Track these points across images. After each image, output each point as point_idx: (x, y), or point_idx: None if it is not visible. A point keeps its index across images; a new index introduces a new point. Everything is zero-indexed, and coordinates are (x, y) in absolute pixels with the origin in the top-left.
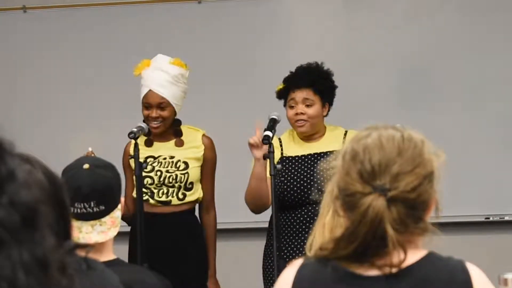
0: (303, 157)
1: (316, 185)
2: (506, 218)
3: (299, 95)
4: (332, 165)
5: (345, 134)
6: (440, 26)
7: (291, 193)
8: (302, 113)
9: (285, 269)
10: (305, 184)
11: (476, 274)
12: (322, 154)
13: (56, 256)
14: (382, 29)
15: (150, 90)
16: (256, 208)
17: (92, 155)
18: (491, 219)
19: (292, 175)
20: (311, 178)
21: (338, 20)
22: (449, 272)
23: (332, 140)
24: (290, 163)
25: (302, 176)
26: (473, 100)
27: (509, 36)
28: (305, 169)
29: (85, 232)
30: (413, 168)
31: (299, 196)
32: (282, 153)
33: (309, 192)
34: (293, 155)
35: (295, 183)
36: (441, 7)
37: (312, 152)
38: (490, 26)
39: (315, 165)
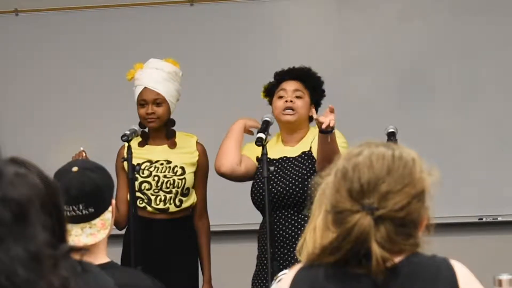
0: (273, 161)
1: (281, 187)
2: (500, 218)
3: (291, 84)
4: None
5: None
6: (434, 27)
7: (260, 192)
8: (291, 101)
9: (286, 273)
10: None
11: (460, 270)
12: (290, 159)
13: (49, 252)
14: (376, 30)
15: (145, 87)
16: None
17: (84, 154)
18: (484, 220)
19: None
20: (275, 181)
21: (331, 22)
22: (435, 269)
23: (306, 143)
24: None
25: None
26: (467, 100)
27: (503, 37)
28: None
29: (74, 235)
30: (402, 187)
31: (262, 197)
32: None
33: (272, 195)
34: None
35: (261, 184)
36: (435, 8)
37: (281, 156)
38: (484, 27)
39: (281, 168)
